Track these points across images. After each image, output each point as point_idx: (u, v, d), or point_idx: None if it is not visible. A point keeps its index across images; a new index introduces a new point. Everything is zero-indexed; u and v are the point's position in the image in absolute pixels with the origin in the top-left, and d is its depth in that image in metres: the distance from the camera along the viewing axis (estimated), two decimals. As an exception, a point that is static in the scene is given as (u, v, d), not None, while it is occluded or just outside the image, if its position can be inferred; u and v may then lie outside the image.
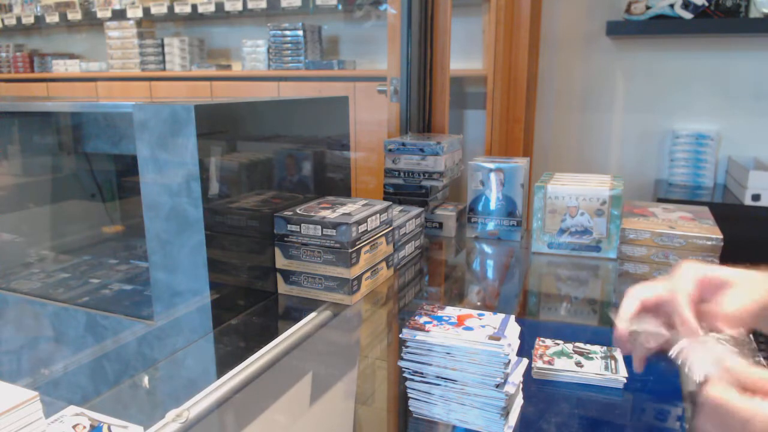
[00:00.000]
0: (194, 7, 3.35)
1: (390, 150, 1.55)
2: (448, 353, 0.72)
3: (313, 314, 1.05)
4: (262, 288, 1.14)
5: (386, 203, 1.21)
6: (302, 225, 1.09)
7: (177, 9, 3.40)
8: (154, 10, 3.50)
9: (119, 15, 3.64)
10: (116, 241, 1.71)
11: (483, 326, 0.74)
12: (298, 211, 1.13)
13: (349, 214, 1.10)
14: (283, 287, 1.15)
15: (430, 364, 0.73)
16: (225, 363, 0.89)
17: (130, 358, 1.12)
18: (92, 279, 1.38)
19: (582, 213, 1.33)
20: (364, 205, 1.18)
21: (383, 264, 1.20)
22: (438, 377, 0.73)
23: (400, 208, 1.39)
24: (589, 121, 2.64)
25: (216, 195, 1.01)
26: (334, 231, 1.07)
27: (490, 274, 1.39)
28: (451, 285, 1.30)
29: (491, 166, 1.48)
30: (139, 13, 3.57)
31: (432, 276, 1.36)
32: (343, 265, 1.07)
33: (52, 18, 3.91)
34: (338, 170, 1.41)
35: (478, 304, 1.18)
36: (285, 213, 1.12)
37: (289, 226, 1.11)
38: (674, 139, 2.45)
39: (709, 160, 2.39)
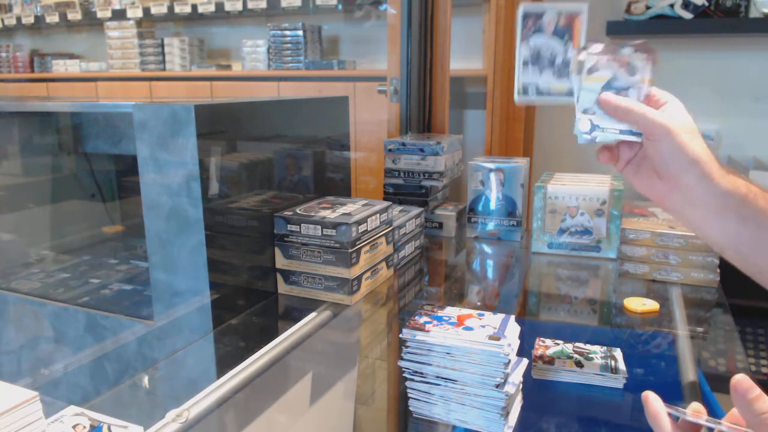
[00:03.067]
0: (194, 7, 3.35)
1: (390, 150, 1.55)
2: (448, 353, 0.72)
3: (313, 314, 1.05)
4: (262, 288, 1.14)
5: (386, 203, 1.21)
6: (302, 225, 1.09)
7: (177, 9, 3.41)
8: (154, 10, 3.50)
9: (119, 15, 3.64)
10: (116, 241, 1.71)
11: (483, 326, 0.74)
12: (298, 211, 1.13)
13: (349, 214, 1.10)
14: (283, 287, 1.15)
15: (430, 364, 0.73)
16: (225, 363, 0.89)
17: (130, 358, 1.12)
18: (92, 279, 1.38)
19: (582, 213, 1.33)
20: (364, 205, 1.18)
21: (383, 264, 1.20)
22: (438, 377, 0.73)
23: (400, 208, 1.39)
24: (589, 121, 2.63)
25: (216, 195, 1.01)
26: (334, 231, 1.07)
27: (490, 274, 1.39)
28: (451, 285, 1.30)
29: (491, 166, 1.48)
30: (139, 13, 3.57)
31: (432, 276, 1.36)
32: (343, 265, 1.07)
33: (52, 18, 3.91)
34: (338, 170, 1.41)
35: (478, 304, 1.18)
36: (285, 213, 1.12)
37: (289, 226, 1.11)
38: (674, 139, 2.45)
39: (709, 160, 2.39)
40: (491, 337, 0.71)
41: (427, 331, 0.73)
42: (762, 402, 0.50)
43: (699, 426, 0.55)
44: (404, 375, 0.75)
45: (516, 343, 0.74)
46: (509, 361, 0.70)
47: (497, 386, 0.70)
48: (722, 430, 0.53)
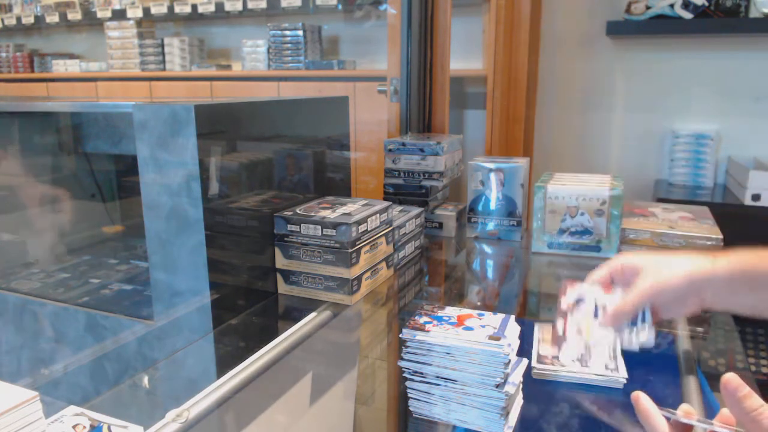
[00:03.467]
0: (194, 7, 3.35)
1: (390, 150, 1.55)
2: (448, 353, 0.72)
3: (313, 314, 1.05)
4: (262, 288, 1.14)
5: (386, 203, 1.21)
6: (302, 225, 1.09)
7: (177, 9, 3.41)
8: (154, 10, 3.50)
9: (119, 15, 3.64)
10: (116, 241, 1.71)
11: (483, 326, 0.74)
12: (298, 211, 1.13)
13: (349, 214, 1.10)
14: (283, 287, 1.15)
15: (430, 364, 0.73)
16: (225, 363, 0.89)
17: (130, 358, 1.12)
18: (92, 279, 1.38)
19: (582, 213, 1.33)
20: (364, 205, 1.18)
21: (383, 264, 1.20)
22: (438, 377, 0.73)
23: (400, 208, 1.39)
24: (589, 121, 2.64)
25: (216, 195, 1.01)
26: (334, 231, 1.07)
27: (490, 274, 1.39)
28: (451, 285, 1.30)
29: (491, 166, 1.48)
30: (139, 13, 3.57)
31: (432, 276, 1.36)
32: (343, 265, 1.07)
33: (52, 18, 3.91)
34: (338, 170, 1.41)
35: (478, 304, 1.18)
36: (285, 213, 1.12)
37: (289, 226, 1.11)
38: (674, 139, 2.45)
39: (709, 160, 2.39)
40: (491, 337, 0.71)
41: (427, 331, 0.73)
42: (752, 400, 0.50)
43: (690, 427, 0.56)
44: (404, 375, 0.75)
45: (516, 343, 0.74)
46: (509, 361, 0.70)
47: (497, 386, 0.70)
48: (714, 430, 0.53)
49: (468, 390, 0.72)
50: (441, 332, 0.73)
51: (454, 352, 0.71)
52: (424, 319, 0.77)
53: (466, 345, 0.71)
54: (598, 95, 2.60)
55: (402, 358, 0.75)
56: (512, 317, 0.77)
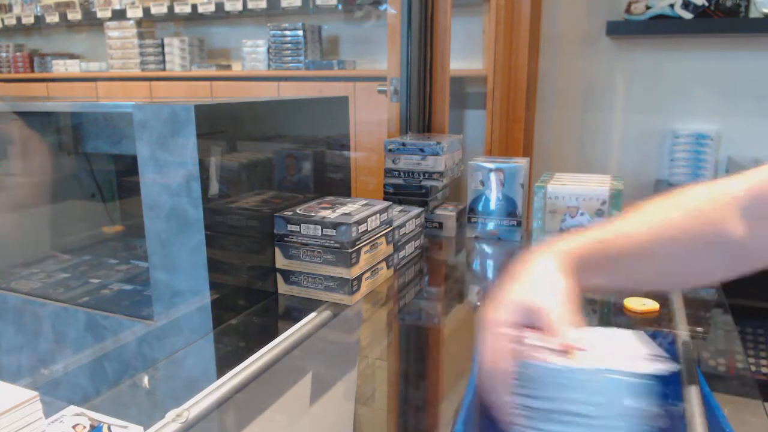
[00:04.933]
0: (194, 7, 3.35)
1: (390, 150, 1.55)
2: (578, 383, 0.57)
3: (313, 314, 1.05)
4: (262, 288, 1.14)
5: (386, 203, 1.21)
6: (302, 225, 1.09)
7: (177, 9, 3.41)
8: (154, 10, 3.50)
9: (119, 15, 3.64)
10: (116, 241, 1.71)
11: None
12: (298, 211, 1.13)
13: (349, 214, 1.10)
14: (283, 287, 1.15)
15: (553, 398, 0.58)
16: (225, 363, 0.89)
17: (130, 358, 1.12)
18: (92, 279, 1.38)
19: (582, 213, 1.33)
20: (364, 205, 1.18)
21: (383, 264, 1.20)
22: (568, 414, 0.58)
23: (400, 208, 1.39)
24: (589, 121, 2.64)
25: (216, 195, 1.01)
26: (334, 231, 1.07)
27: (490, 274, 1.39)
28: (451, 285, 1.30)
29: (491, 166, 1.48)
30: (139, 13, 3.57)
31: (432, 276, 1.36)
32: (343, 265, 1.07)
33: (52, 18, 3.91)
34: (338, 170, 1.41)
35: (478, 304, 1.18)
36: (285, 213, 1.12)
37: (289, 226, 1.11)
38: (674, 139, 2.45)
39: (709, 160, 2.39)
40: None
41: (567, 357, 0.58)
42: None
43: None
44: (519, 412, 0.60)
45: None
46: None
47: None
48: None
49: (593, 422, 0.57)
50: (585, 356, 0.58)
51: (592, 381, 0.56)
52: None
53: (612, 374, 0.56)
54: (598, 95, 2.60)
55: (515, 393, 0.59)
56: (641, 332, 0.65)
